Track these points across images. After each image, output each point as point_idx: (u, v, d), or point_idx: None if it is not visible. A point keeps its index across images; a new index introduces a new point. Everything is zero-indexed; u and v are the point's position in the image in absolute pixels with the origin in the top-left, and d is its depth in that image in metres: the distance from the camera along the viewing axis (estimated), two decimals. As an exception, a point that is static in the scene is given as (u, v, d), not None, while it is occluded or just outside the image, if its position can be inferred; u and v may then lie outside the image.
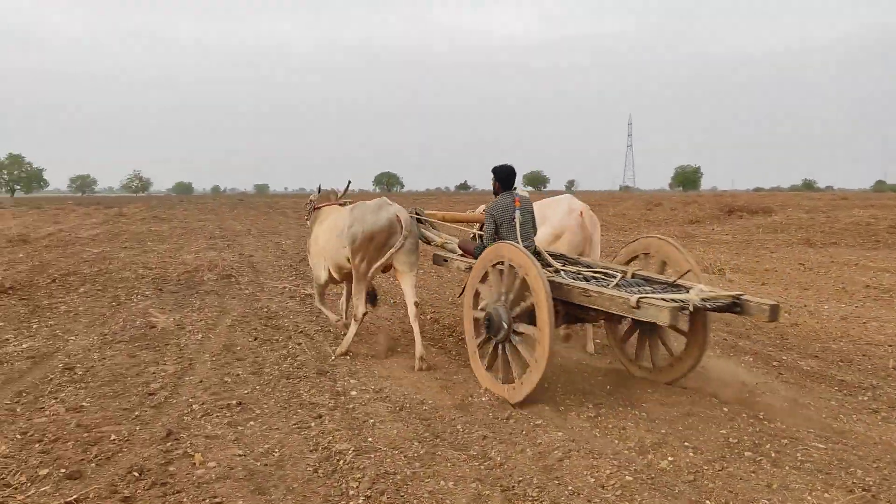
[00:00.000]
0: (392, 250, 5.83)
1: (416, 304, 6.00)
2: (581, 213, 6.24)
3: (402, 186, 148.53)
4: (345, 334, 6.44)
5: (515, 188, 5.52)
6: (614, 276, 5.14)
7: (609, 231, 19.65)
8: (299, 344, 6.64)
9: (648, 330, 5.42)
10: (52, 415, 4.68)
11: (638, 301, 4.31)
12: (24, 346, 6.51)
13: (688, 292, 4.62)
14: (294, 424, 4.56)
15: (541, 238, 6.08)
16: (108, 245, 16.33)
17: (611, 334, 5.86)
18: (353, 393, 5.18)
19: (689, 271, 5.00)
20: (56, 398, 5.01)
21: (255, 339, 6.88)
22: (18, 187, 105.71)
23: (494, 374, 5.07)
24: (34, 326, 7.31)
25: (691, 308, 4.38)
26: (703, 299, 4.49)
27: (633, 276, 5.30)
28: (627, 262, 5.63)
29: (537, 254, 5.53)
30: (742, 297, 4.57)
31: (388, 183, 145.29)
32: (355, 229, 5.94)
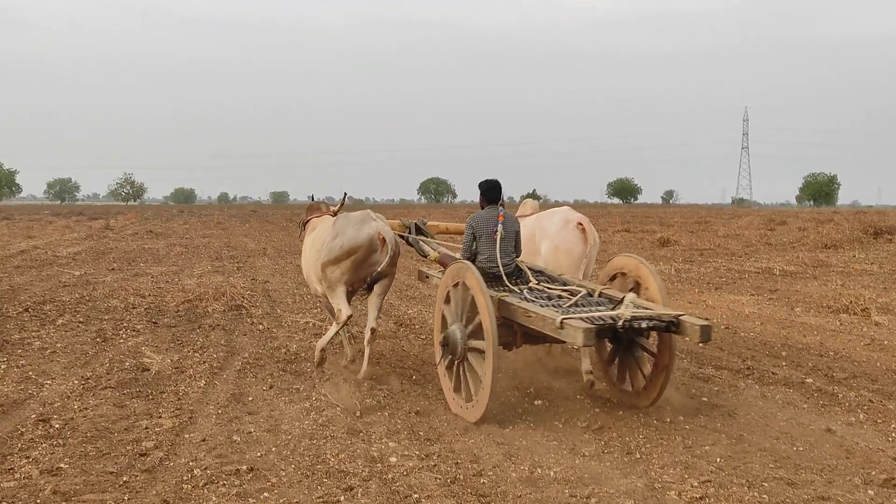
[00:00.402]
0: (374, 268, 6.94)
1: (373, 331, 7.11)
2: (579, 223, 7.20)
3: (454, 196, 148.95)
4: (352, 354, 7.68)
5: (502, 204, 6.67)
6: (577, 294, 6.23)
7: (718, 257, 19.26)
8: (325, 395, 6.64)
9: (623, 351, 6.37)
10: (23, 478, 4.76)
11: (561, 321, 5.35)
12: (-10, 391, 6.69)
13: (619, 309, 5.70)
14: (318, 498, 4.54)
15: (543, 252, 7.24)
16: (93, 266, 16.85)
17: (598, 355, 6.82)
18: (393, 459, 5.14)
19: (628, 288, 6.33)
20: (28, 457, 5.09)
21: (271, 387, 6.91)
22: None
23: (459, 395, 6.08)
24: (2, 367, 7.48)
25: (619, 326, 5.47)
26: (634, 318, 5.51)
27: (601, 294, 6.31)
28: (609, 281, 6.57)
29: (519, 271, 6.70)
30: (681, 316, 5.59)
31: (436, 191, 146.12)
32: (335, 242, 6.90)
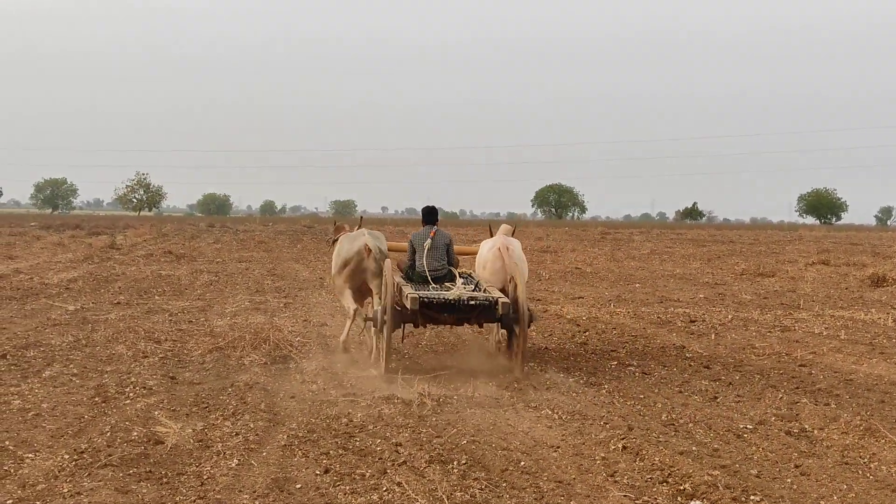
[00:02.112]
0: (366, 273, 11.58)
1: (366, 320, 11.67)
2: (498, 248, 11.94)
3: (583, 210, 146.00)
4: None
5: (436, 224, 11.68)
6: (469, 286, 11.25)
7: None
8: (399, 484, 6.53)
9: (510, 334, 11.18)
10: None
11: (407, 295, 10.51)
12: (-46, 466, 6.76)
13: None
14: None
15: (478, 266, 12.33)
16: (92, 298, 17.30)
17: (506, 339, 11.64)
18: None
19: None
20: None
21: (326, 471, 6.83)
22: None
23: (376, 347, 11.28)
24: (-29, 433, 7.60)
25: (450, 300, 10.56)
26: (462, 297, 10.60)
27: (485, 290, 11.19)
28: (509, 280, 11.46)
29: (452, 275, 11.52)
30: (500, 299, 10.54)
31: (556, 203, 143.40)
32: (336, 258, 11.80)
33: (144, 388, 9.46)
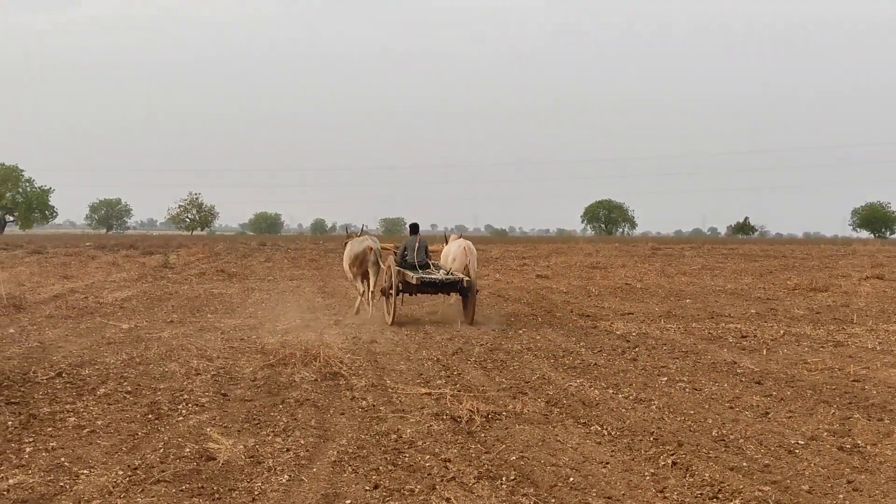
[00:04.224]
0: (367, 264, 18.54)
1: (373, 293, 18.52)
2: (464, 248, 18.43)
3: (633, 226, 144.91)
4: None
5: (418, 234, 18.97)
6: (440, 273, 18.23)
7: None
8: (448, 500, 6.54)
9: (464, 298, 17.83)
10: None
11: (413, 276, 17.45)
12: (10, 481, 6.83)
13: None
14: None
15: (444, 257, 19.00)
16: (146, 317, 17.56)
17: (459, 302, 18.25)
18: None
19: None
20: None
21: (376, 486, 6.85)
22: (11, 219, 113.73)
23: (388, 309, 17.72)
24: (27, 450, 7.68)
25: (437, 280, 17.58)
26: (446, 278, 17.66)
27: (449, 273, 18.05)
28: (463, 269, 18.24)
29: (427, 265, 18.38)
30: (464, 278, 17.64)
31: (606, 219, 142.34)
32: (348, 253, 18.62)
33: (197, 404, 9.54)
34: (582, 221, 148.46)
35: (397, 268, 17.70)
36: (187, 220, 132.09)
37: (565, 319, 18.15)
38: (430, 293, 18.46)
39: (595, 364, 12.46)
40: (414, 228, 19.25)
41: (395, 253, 19.09)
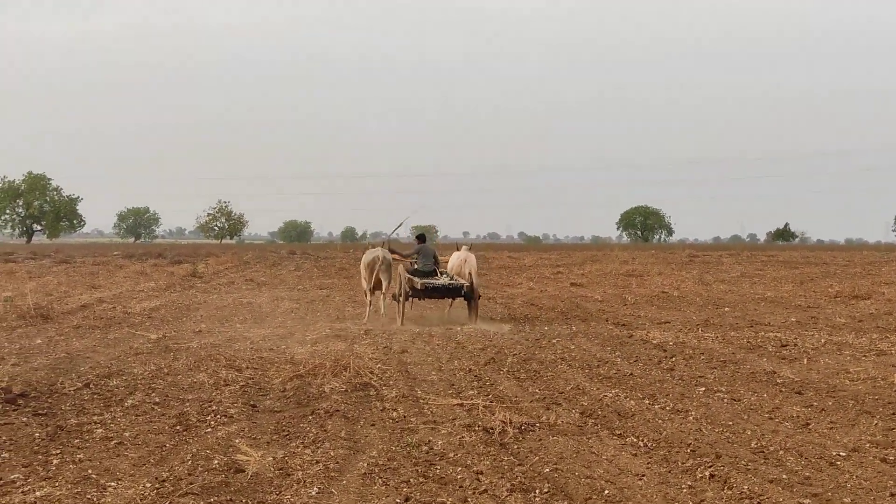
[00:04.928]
0: (376, 272, 19.57)
1: (386, 297, 19.82)
2: (462, 259, 20.55)
3: (670, 233, 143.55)
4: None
5: (426, 242, 21.74)
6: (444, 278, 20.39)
7: None
8: (481, 513, 6.42)
9: (468, 302, 19.77)
10: None
11: (418, 282, 19.41)
12: (37, 493, 6.83)
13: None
14: None
15: (450, 266, 20.98)
16: (174, 327, 17.66)
17: (467, 306, 20.06)
18: None
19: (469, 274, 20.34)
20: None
21: (407, 499, 6.81)
22: (39, 227, 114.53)
23: (398, 311, 19.53)
24: (54, 462, 7.69)
25: (439, 286, 19.71)
26: (450, 284, 19.79)
27: (453, 279, 20.23)
28: (468, 275, 20.14)
29: (435, 272, 20.49)
30: (465, 284, 19.67)
31: (642, 226, 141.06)
32: (362, 264, 20.15)
33: (225, 416, 9.54)
34: (617, 228, 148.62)
35: (407, 275, 19.43)
36: (216, 228, 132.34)
37: (600, 328, 17.97)
38: (437, 297, 20.21)
39: (631, 374, 12.35)
40: (422, 237, 21.92)
41: (411, 260, 20.85)
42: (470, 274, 19.84)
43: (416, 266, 20.34)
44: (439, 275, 20.29)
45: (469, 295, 19.43)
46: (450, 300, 20.93)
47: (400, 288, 19.32)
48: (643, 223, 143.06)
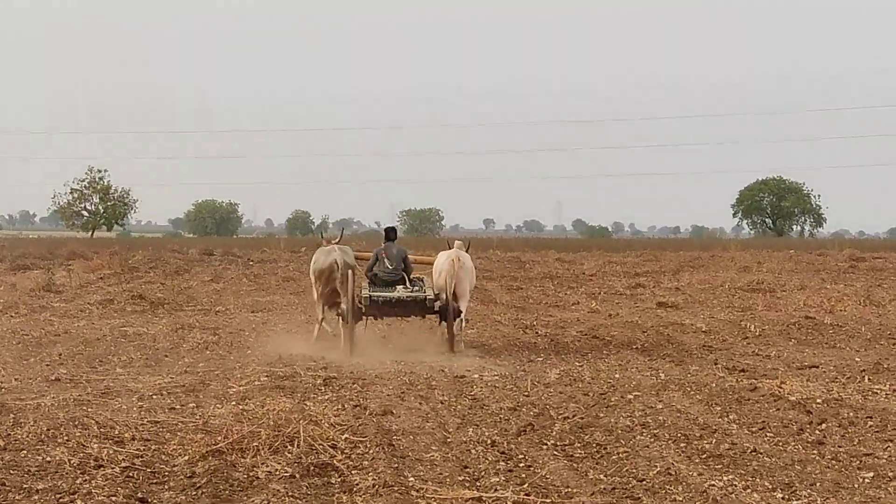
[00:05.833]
0: (333, 282, 15.85)
1: (338, 315, 15.94)
2: (452, 260, 16.00)
3: (819, 222, 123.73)
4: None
5: (395, 241, 16.67)
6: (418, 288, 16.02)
7: None
8: None
9: (444, 320, 15.72)
10: None
11: (370, 294, 15.37)
12: None
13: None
14: None
15: (434, 272, 16.57)
16: (16, 371, 13.14)
17: (447, 327, 16.00)
18: None
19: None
20: None
21: None
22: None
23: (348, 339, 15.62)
24: None
25: (388, 299, 15.26)
26: (401, 296, 15.39)
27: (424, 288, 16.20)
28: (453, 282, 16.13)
29: (403, 279, 15.87)
30: (428, 297, 15.40)
31: (774, 210, 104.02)
32: (312, 267, 16.70)
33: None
34: (734, 214, 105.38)
35: (356, 285, 15.80)
36: (85, 214, 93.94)
37: (705, 376, 13.52)
38: (397, 315, 16.43)
39: (754, 451, 9.05)
40: (390, 233, 17.16)
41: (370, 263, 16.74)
42: (447, 282, 15.65)
43: (374, 271, 16.18)
44: (408, 284, 16.03)
45: (444, 311, 15.46)
46: (437, 319, 16.48)
47: (349, 302, 15.33)
48: (775, 206, 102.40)
